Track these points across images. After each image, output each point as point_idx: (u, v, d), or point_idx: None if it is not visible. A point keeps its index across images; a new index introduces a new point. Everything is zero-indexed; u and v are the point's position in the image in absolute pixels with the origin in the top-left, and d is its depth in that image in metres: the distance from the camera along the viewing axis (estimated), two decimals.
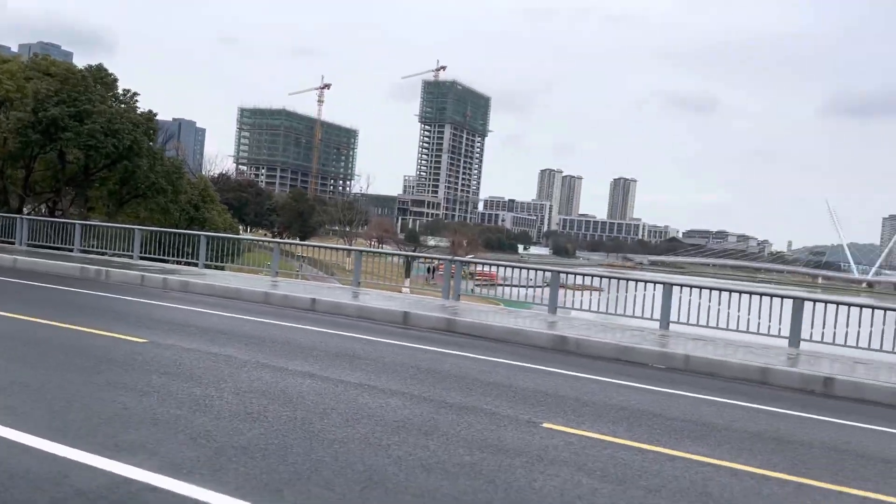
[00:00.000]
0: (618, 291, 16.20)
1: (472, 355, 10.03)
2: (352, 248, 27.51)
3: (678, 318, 13.78)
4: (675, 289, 14.07)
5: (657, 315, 13.95)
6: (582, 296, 16.62)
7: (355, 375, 7.89)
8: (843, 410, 8.50)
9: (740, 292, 13.80)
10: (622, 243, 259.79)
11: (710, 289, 14.19)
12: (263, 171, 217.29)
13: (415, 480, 4.64)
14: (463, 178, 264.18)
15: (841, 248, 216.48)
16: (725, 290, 13.95)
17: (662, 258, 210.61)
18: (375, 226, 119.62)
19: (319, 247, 30.05)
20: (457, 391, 7.53)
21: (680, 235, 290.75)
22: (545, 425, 6.40)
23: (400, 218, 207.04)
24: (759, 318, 13.19)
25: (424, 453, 5.23)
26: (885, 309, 12.95)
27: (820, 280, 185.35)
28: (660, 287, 14.40)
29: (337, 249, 34.48)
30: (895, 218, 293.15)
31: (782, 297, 13.46)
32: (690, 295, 13.88)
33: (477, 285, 21.91)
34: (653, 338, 12.33)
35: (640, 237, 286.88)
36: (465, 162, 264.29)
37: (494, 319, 12.95)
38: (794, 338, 12.77)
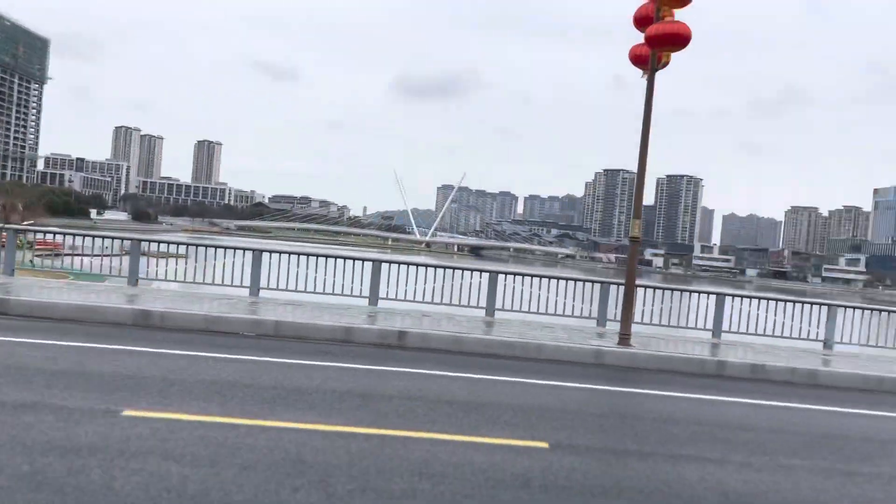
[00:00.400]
0: (206, 259, 15.57)
1: (32, 341, 8.54)
2: None
3: (268, 284, 13.88)
4: (265, 255, 14.11)
5: (246, 282, 13.86)
6: (167, 264, 15.58)
7: None
8: (415, 360, 9.54)
9: (326, 256, 14.49)
10: (208, 208, 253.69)
11: (299, 254, 14.58)
12: None
13: None
14: (16, 131, 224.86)
15: (406, 213, 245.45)
16: (313, 254, 14.47)
17: (249, 223, 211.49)
18: None
19: None
20: (12, 386, 6.30)
21: (266, 200, 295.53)
22: (126, 413, 5.75)
23: None
24: (344, 280, 14.04)
25: None
26: (444, 267, 15.00)
27: (390, 241, 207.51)
28: (249, 253, 14.26)
29: None
30: (447, 187, 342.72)
31: (363, 259, 14.53)
32: (280, 260, 14.07)
33: (37, 256, 18.90)
34: (243, 306, 12.18)
35: (227, 202, 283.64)
36: (18, 111, 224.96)
37: (61, 296, 11.30)
38: (374, 297, 13.93)
